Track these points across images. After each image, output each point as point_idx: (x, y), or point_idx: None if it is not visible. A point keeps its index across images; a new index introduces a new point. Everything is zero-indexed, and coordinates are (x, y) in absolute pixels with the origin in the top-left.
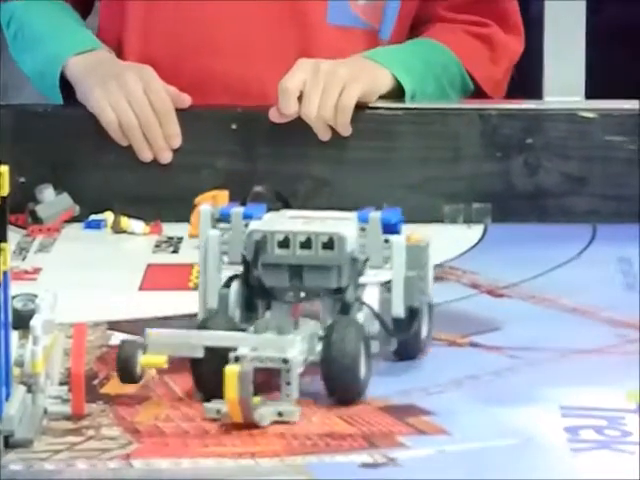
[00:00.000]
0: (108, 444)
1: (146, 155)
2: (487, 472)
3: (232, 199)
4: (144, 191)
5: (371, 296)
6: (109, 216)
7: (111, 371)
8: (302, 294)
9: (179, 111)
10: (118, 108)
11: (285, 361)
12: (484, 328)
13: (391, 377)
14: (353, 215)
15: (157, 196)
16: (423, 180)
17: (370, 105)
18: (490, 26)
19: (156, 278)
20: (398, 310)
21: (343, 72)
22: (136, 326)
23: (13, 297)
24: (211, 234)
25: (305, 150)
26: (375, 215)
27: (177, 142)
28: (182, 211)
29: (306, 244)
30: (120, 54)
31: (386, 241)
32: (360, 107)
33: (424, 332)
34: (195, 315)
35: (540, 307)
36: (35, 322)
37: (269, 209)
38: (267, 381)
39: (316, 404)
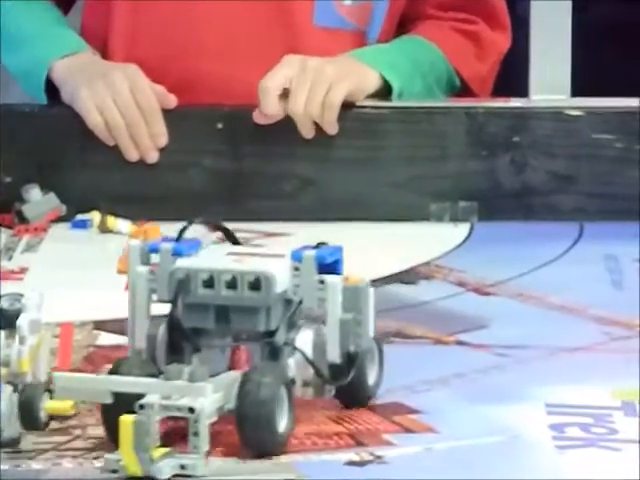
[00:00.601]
0: (94, 443)
1: (132, 155)
2: (474, 469)
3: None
4: (130, 191)
5: (305, 340)
6: (95, 216)
7: (97, 370)
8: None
9: (165, 111)
10: (104, 108)
11: (191, 410)
12: (471, 326)
13: None
14: (284, 252)
15: (143, 195)
16: (409, 179)
17: (356, 104)
18: (477, 23)
19: None
20: (333, 355)
21: (330, 70)
22: (122, 326)
23: (0, 297)
24: (138, 271)
25: (291, 149)
26: (309, 254)
27: (163, 141)
28: (168, 210)
29: (232, 284)
30: (105, 55)
31: (321, 282)
32: (346, 106)
33: (372, 378)
34: None
35: (527, 305)
36: (22, 322)
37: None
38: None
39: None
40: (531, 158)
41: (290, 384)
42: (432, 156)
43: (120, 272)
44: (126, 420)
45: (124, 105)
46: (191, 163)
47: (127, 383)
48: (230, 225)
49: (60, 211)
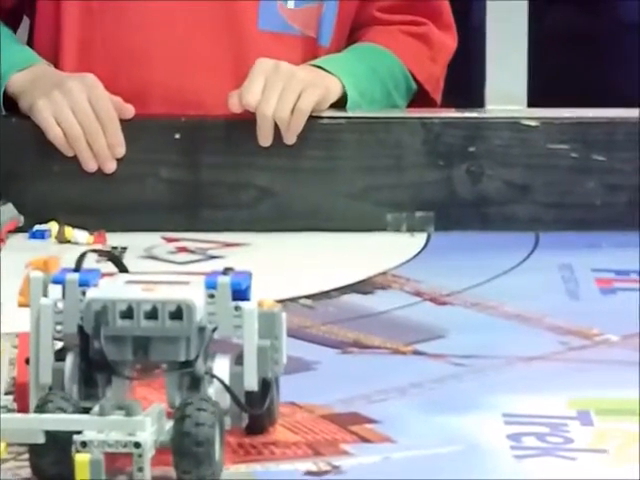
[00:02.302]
0: None
1: (91, 165)
2: (431, 479)
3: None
4: (88, 201)
5: (222, 368)
6: (53, 226)
7: None
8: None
9: (122, 121)
10: (62, 118)
11: (137, 445)
12: (428, 336)
13: (334, 386)
14: (199, 279)
15: (101, 206)
16: (366, 189)
17: (314, 114)
18: (425, 24)
19: None
20: (251, 383)
21: (302, 75)
22: None
23: None
24: (43, 303)
25: (249, 159)
26: (224, 280)
27: (121, 151)
28: (126, 221)
29: (152, 314)
30: (57, 68)
31: (237, 308)
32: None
33: (275, 402)
34: None
35: (483, 314)
36: None
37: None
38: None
39: None
40: (487, 168)
41: (222, 414)
42: (388, 166)
43: (22, 305)
44: (82, 460)
45: (82, 115)
46: (149, 173)
47: (62, 421)
48: (188, 235)
49: (18, 222)
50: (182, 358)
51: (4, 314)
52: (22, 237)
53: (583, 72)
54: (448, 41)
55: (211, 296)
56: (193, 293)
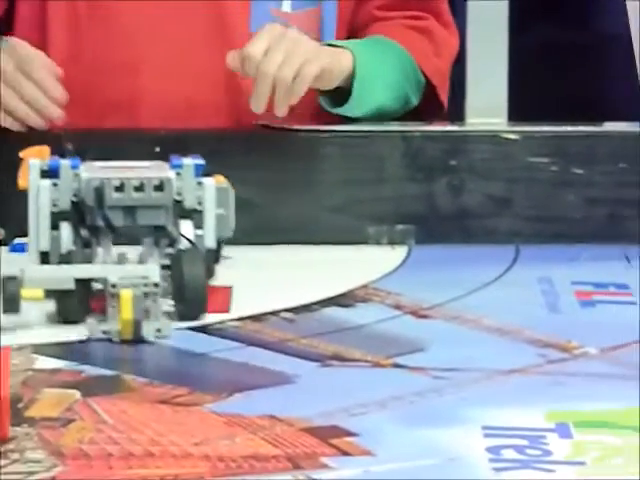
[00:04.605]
0: (33, 467)
1: (36, 121)
2: None
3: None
4: None
5: (188, 231)
6: None
7: (36, 394)
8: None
9: (103, 134)
10: None
11: (156, 285)
12: (408, 349)
13: (314, 398)
14: (158, 163)
15: None
16: (347, 202)
17: (294, 127)
18: (427, 19)
19: None
20: (211, 243)
21: (311, 44)
22: (61, 350)
23: None
24: (43, 184)
25: (230, 172)
26: (189, 161)
27: (64, 102)
28: None
29: (139, 188)
30: None
31: (199, 183)
32: (284, 129)
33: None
34: None
35: (463, 328)
36: None
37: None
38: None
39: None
40: (468, 181)
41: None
42: (369, 179)
43: (22, 188)
44: (127, 294)
45: (11, 80)
46: None
47: (91, 270)
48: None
49: None
50: (163, 223)
51: None
52: (3, 250)
53: (564, 83)
54: (451, 38)
55: (178, 174)
56: (167, 171)
